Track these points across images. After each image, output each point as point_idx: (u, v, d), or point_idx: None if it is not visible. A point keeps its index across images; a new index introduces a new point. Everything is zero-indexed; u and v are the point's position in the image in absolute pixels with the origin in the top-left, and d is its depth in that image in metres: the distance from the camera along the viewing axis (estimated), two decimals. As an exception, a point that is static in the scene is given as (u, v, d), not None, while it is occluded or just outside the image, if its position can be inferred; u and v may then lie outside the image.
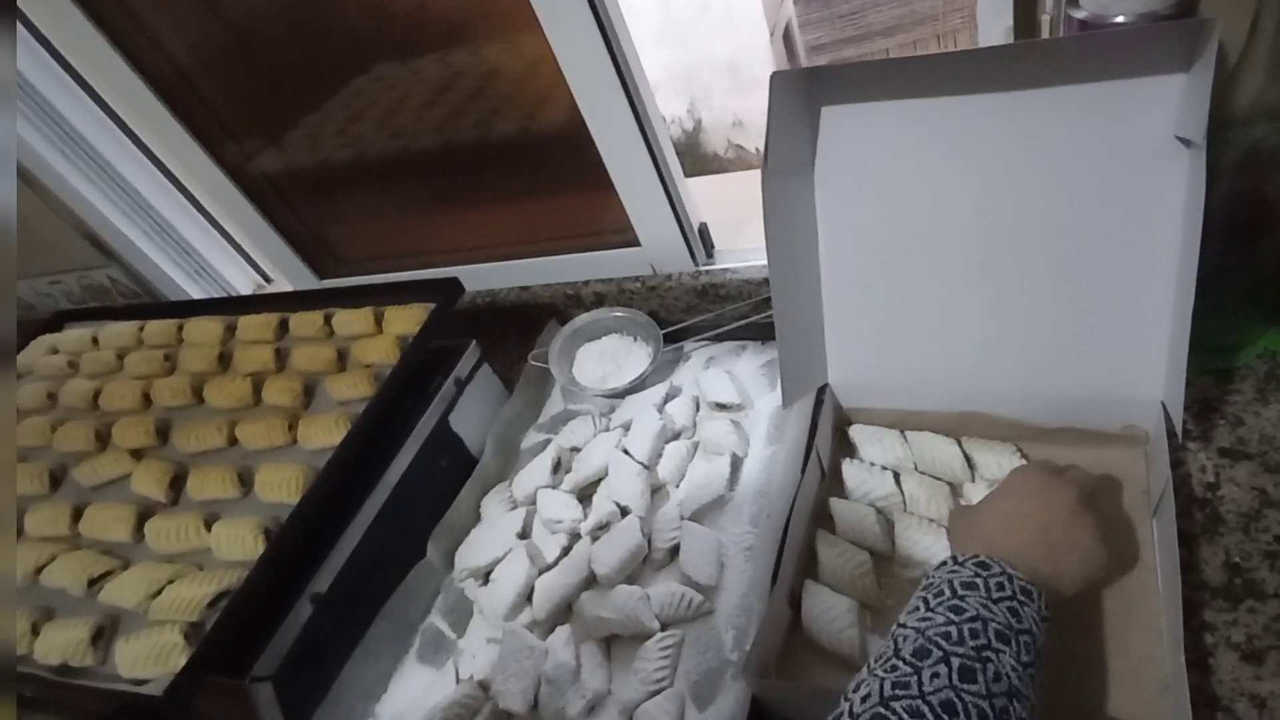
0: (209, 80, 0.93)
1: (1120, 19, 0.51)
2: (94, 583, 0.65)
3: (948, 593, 0.42)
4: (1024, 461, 0.62)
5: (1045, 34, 0.62)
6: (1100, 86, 0.52)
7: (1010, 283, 0.60)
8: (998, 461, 0.62)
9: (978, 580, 0.42)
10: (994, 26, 0.64)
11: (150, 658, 0.57)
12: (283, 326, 0.86)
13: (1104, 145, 0.54)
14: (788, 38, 2.57)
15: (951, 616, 0.40)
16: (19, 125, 0.99)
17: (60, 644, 0.61)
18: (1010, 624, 0.40)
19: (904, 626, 0.42)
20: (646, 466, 0.71)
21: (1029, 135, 0.55)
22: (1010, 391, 0.63)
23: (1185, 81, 0.49)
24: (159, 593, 0.61)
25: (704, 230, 0.88)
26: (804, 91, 0.59)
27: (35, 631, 0.63)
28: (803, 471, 0.63)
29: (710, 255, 0.89)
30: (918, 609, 0.42)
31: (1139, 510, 0.57)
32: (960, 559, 0.45)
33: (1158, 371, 0.58)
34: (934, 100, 0.57)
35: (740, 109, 2.56)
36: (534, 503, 0.73)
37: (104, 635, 0.62)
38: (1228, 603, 0.51)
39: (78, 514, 0.72)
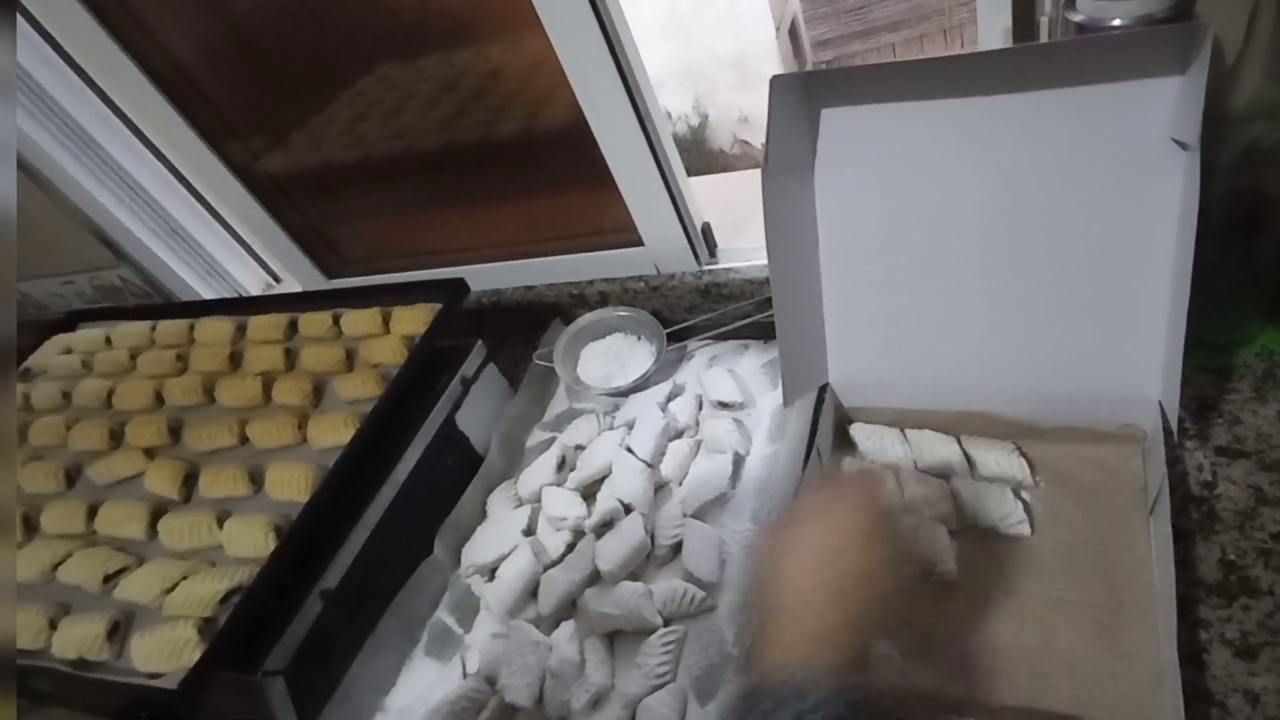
0: (215, 81, 0.94)
1: (1117, 22, 0.51)
2: (109, 579, 0.67)
3: None
4: (1023, 460, 0.62)
5: (1044, 34, 0.63)
6: (1097, 89, 0.52)
7: (1008, 282, 0.61)
8: (996, 459, 0.63)
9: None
10: (993, 26, 0.64)
11: (165, 652, 0.58)
12: (292, 327, 0.87)
13: (1101, 147, 0.54)
14: (793, 32, 2.56)
15: None
16: (33, 128, 1.00)
17: (77, 639, 0.62)
18: None
19: None
20: (650, 464, 0.72)
21: (1026, 137, 0.56)
22: (1009, 390, 0.64)
23: (1181, 84, 0.50)
24: (173, 589, 0.63)
25: (707, 230, 0.88)
26: (803, 94, 0.59)
27: (53, 627, 0.64)
28: (804, 469, 0.64)
29: (713, 255, 0.90)
30: None
31: (1135, 507, 0.58)
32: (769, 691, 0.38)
33: (1155, 370, 0.58)
34: (932, 103, 0.57)
35: (746, 104, 2.56)
36: (539, 500, 0.74)
37: (119, 630, 0.63)
38: (1222, 599, 0.51)
39: (93, 511, 0.73)
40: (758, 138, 2.62)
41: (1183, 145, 0.50)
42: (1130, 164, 0.54)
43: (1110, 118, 0.53)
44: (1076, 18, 0.53)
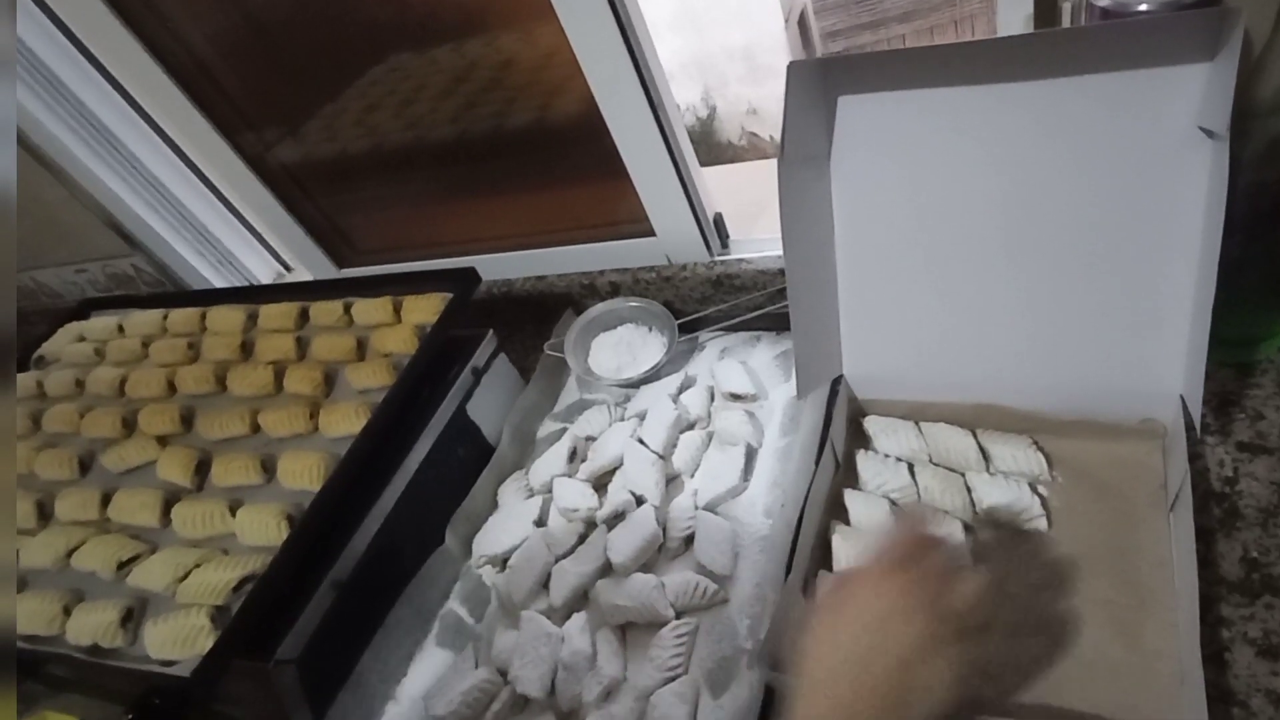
0: (229, 71, 0.94)
1: (1144, 7, 0.50)
2: (123, 566, 0.67)
3: None
4: (1039, 455, 0.62)
5: (1066, 21, 0.61)
6: (1121, 76, 0.51)
7: (1028, 274, 0.60)
8: (1013, 454, 0.62)
9: None
10: (1014, 14, 0.63)
11: (178, 640, 0.59)
12: (303, 316, 0.87)
13: (1125, 136, 0.53)
14: (803, 24, 2.54)
15: None
16: (47, 118, 1.00)
17: (91, 626, 0.62)
18: None
19: None
20: (661, 456, 0.72)
21: (1048, 126, 0.55)
22: (1027, 384, 0.63)
23: (1209, 71, 0.49)
24: (186, 576, 0.63)
25: (719, 220, 0.88)
26: (821, 81, 0.59)
27: (67, 613, 0.65)
28: (817, 463, 0.64)
29: (725, 245, 0.89)
30: None
31: (1156, 504, 0.57)
32: None
33: (1177, 364, 0.57)
34: (952, 90, 0.56)
35: (755, 97, 2.54)
36: (550, 491, 0.74)
37: (133, 617, 0.63)
38: (1245, 598, 0.51)
39: (106, 499, 0.73)
40: (767, 130, 2.61)
41: (1210, 134, 0.49)
42: (1155, 153, 0.53)
43: (1135, 106, 0.52)
44: (1102, 2, 0.52)
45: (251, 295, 0.96)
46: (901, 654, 0.39)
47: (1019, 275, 0.60)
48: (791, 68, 0.55)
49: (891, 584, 0.41)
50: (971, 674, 0.40)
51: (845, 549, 0.60)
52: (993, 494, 0.60)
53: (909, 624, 0.39)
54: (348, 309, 0.84)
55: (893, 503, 0.63)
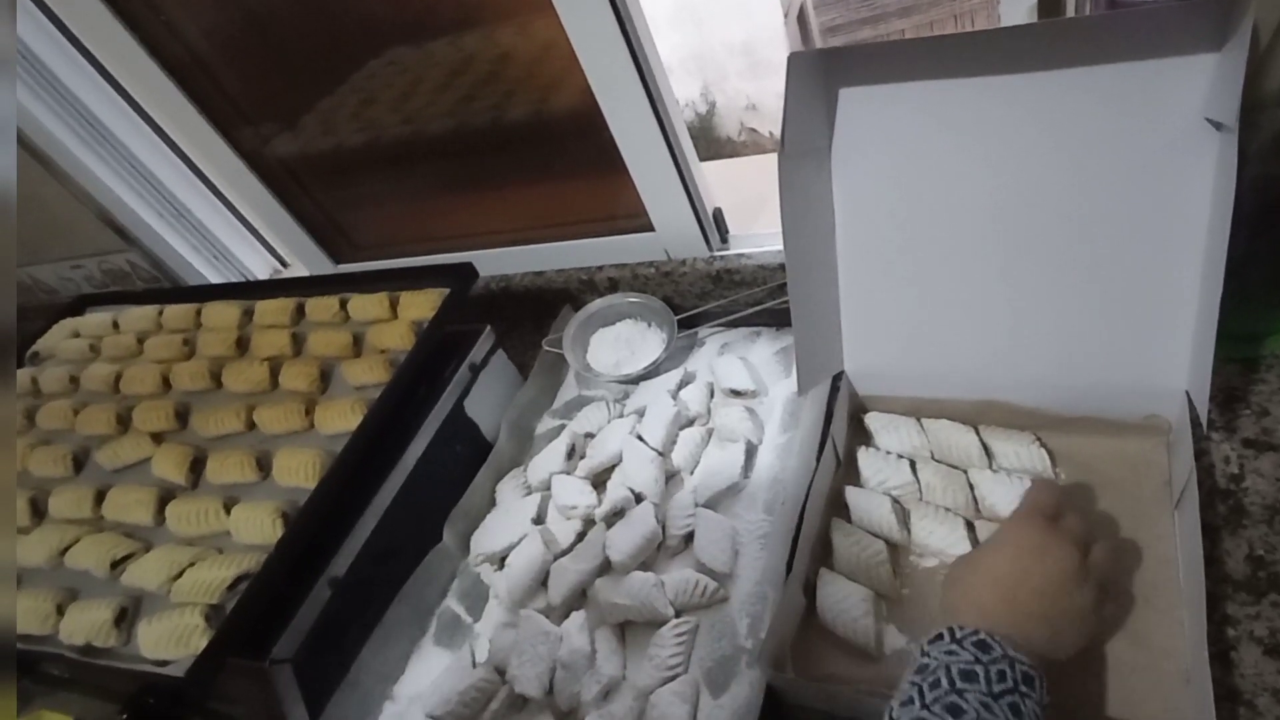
0: (224, 65, 0.93)
1: (1150, -3, 0.50)
2: (116, 565, 0.66)
3: (945, 684, 0.39)
4: (1043, 451, 0.61)
5: (1070, 12, 0.61)
6: (1127, 67, 0.51)
7: (1031, 269, 0.59)
8: (1015, 450, 0.62)
9: (977, 669, 0.39)
10: (1018, 4, 0.62)
11: (172, 639, 0.58)
12: (299, 311, 0.86)
13: (1130, 128, 0.52)
14: (802, 19, 2.53)
15: (949, 718, 0.37)
16: (42, 113, 1.00)
17: (84, 625, 0.62)
18: None
19: None
20: (661, 453, 0.71)
21: (1053, 118, 0.54)
22: (1030, 380, 0.62)
23: (1217, 62, 0.48)
24: (180, 575, 0.62)
25: (718, 215, 0.87)
26: (822, 73, 0.58)
27: (60, 612, 0.64)
28: (818, 459, 0.63)
29: (725, 240, 0.88)
30: (912, 701, 0.39)
31: (1160, 501, 0.56)
32: (958, 634, 0.41)
33: (1182, 360, 0.57)
34: (955, 82, 0.55)
35: (754, 92, 2.53)
36: (548, 488, 0.73)
37: (127, 617, 0.63)
38: (1251, 596, 0.50)
39: (100, 497, 0.73)
40: (766, 125, 2.60)
41: (1218, 126, 0.49)
42: (1161, 146, 0.52)
43: (1140, 97, 0.51)
44: (1107, -7, 0.51)
45: (247, 291, 0.95)
46: (1049, 578, 0.44)
47: (1022, 269, 0.60)
48: (792, 59, 0.54)
49: (1034, 529, 0.47)
50: (1101, 624, 0.45)
51: (846, 546, 0.59)
52: (995, 491, 0.60)
53: (1056, 558, 0.44)
54: (344, 305, 0.84)
55: (894, 500, 0.62)
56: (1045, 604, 0.43)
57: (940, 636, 0.42)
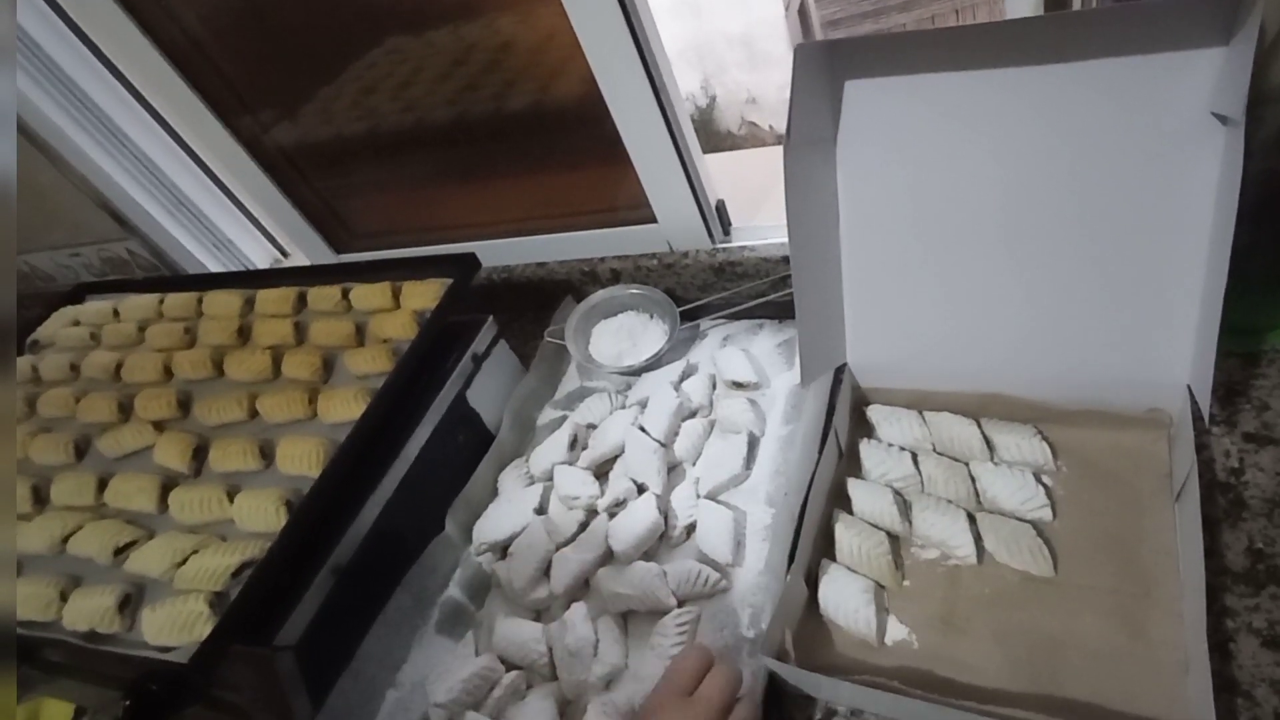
0: (224, 52, 0.92)
1: (1158, -10, 0.49)
2: (119, 552, 0.66)
3: None
4: (1044, 444, 0.61)
5: (1077, 5, 0.61)
6: (1133, 61, 0.51)
7: (1034, 262, 0.60)
8: (1017, 443, 0.62)
9: None
10: (1024, -2, 0.62)
11: (176, 626, 0.58)
12: (301, 300, 0.86)
13: (1135, 121, 0.53)
14: (803, 12, 2.52)
15: None
16: (40, 99, 0.99)
17: (88, 611, 0.62)
18: None
19: None
20: (663, 444, 0.71)
21: (1059, 111, 0.54)
22: (1032, 373, 0.63)
23: (1224, 55, 0.48)
24: (183, 562, 0.62)
25: (721, 207, 0.87)
26: (828, 65, 0.58)
27: (63, 599, 0.64)
28: (820, 451, 0.63)
29: (727, 233, 0.88)
30: None
31: (1161, 494, 0.57)
32: None
33: (1184, 354, 0.57)
34: (961, 75, 0.55)
35: (754, 85, 2.52)
36: (550, 478, 0.73)
37: (130, 603, 0.63)
38: (1250, 588, 0.50)
39: (102, 484, 0.72)
40: (766, 119, 2.59)
41: (1224, 119, 0.49)
42: (1165, 139, 0.52)
43: (1146, 91, 0.51)
44: (1115, -14, 0.51)
45: (248, 280, 0.95)
46: None
47: (1025, 262, 0.60)
48: (799, 50, 0.54)
49: (672, 706, 0.49)
50: None
51: (848, 538, 0.60)
52: (997, 483, 0.60)
53: None
54: (346, 294, 0.84)
55: (896, 492, 0.62)
56: None
57: None
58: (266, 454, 0.70)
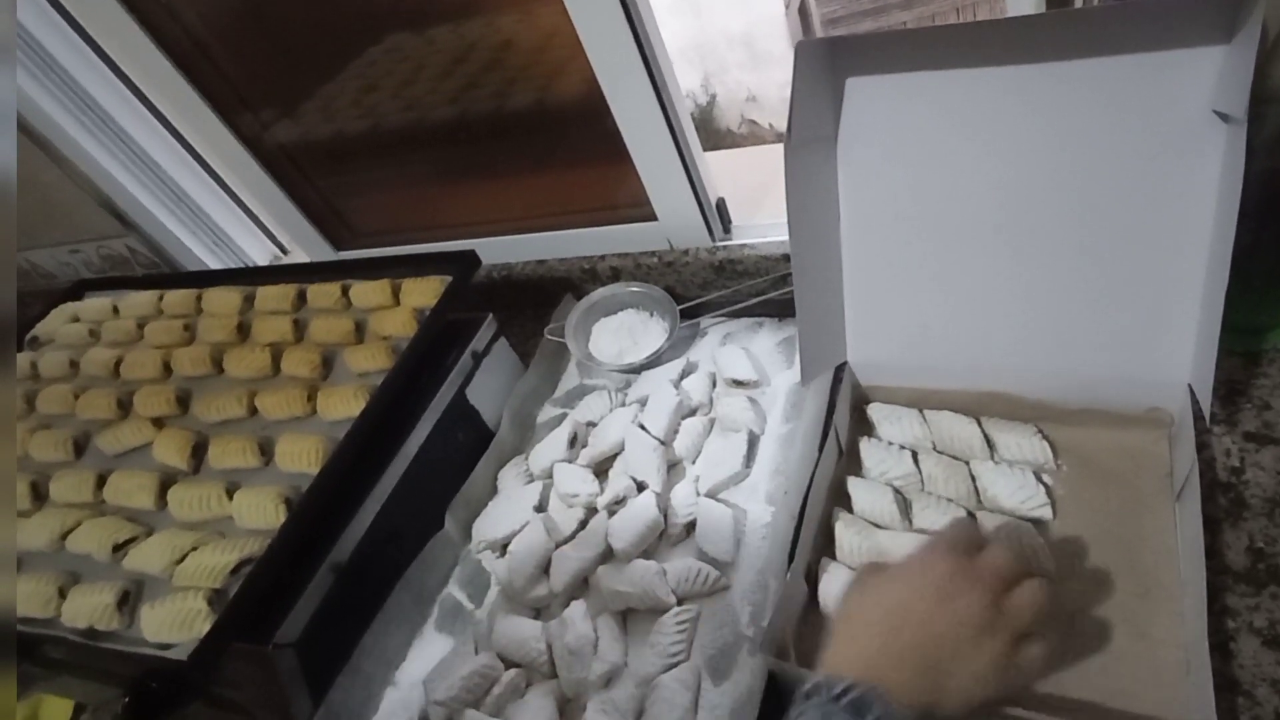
0: (225, 50, 0.92)
1: (1160, -13, 0.49)
2: (118, 549, 0.66)
3: None
4: (1044, 443, 0.61)
5: (1079, 3, 0.60)
6: (1135, 59, 0.50)
7: (1035, 260, 0.59)
8: (1018, 442, 0.62)
9: None
10: (1026, -5, 0.62)
11: (175, 623, 0.58)
12: (300, 298, 0.86)
13: (1136, 119, 0.52)
14: (803, 10, 2.52)
15: None
16: (41, 96, 0.99)
17: (87, 608, 0.62)
18: None
19: None
20: (663, 442, 0.71)
21: (1061, 109, 0.54)
22: (1033, 371, 0.63)
23: (1226, 53, 0.48)
24: (182, 559, 0.62)
25: (721, 205, 0.87)
26: (829, 62, 0.58)
27: (62, 595, 0.64)
28: (820, 450, 0.63)
29: (728, 230, 0.88)
30: None
31: (1162, 493, 0.57)
32: (835, 690, 0.37)
33: (1185, 353, 0.57)
34: (963, 72, 0.55)
35: (755, 84, 2.52)
36: (550, 476, 0.73)
37: (129, 600, 0.63)
38: (1250, 588, 0.50)
39: (101, 481, 0.73)
40: (766, 117, 2.59)
41: (1226, 118, 0.49)
42: (1167, 138, 0.52)
43: (1148, 89, 0.51)
44: (1117, -17, 0.51)
45: (248, 277, 0.94)
46: (936, 631, 0.38)
47: (1027, 261, 0.60)
48: (800, 47, 0.54)
49: (942, 562, 0.41)
50: (1015, 676, 0.39)
51: (848, 536, 0.60)
52: (997, 482, 0.60)
53: (949, 604, 0.38)
54: (346, 291, 0.84)
55: (896, 490, 0.62)
56: (941, 653, 0.38)
57: (817, 690, 0.37)
58: (266, 451, 0.70)
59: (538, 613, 0.65)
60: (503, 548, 0.70)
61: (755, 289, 0.84)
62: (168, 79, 0.94)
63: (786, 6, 2.40)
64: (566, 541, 0.68)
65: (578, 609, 0.62)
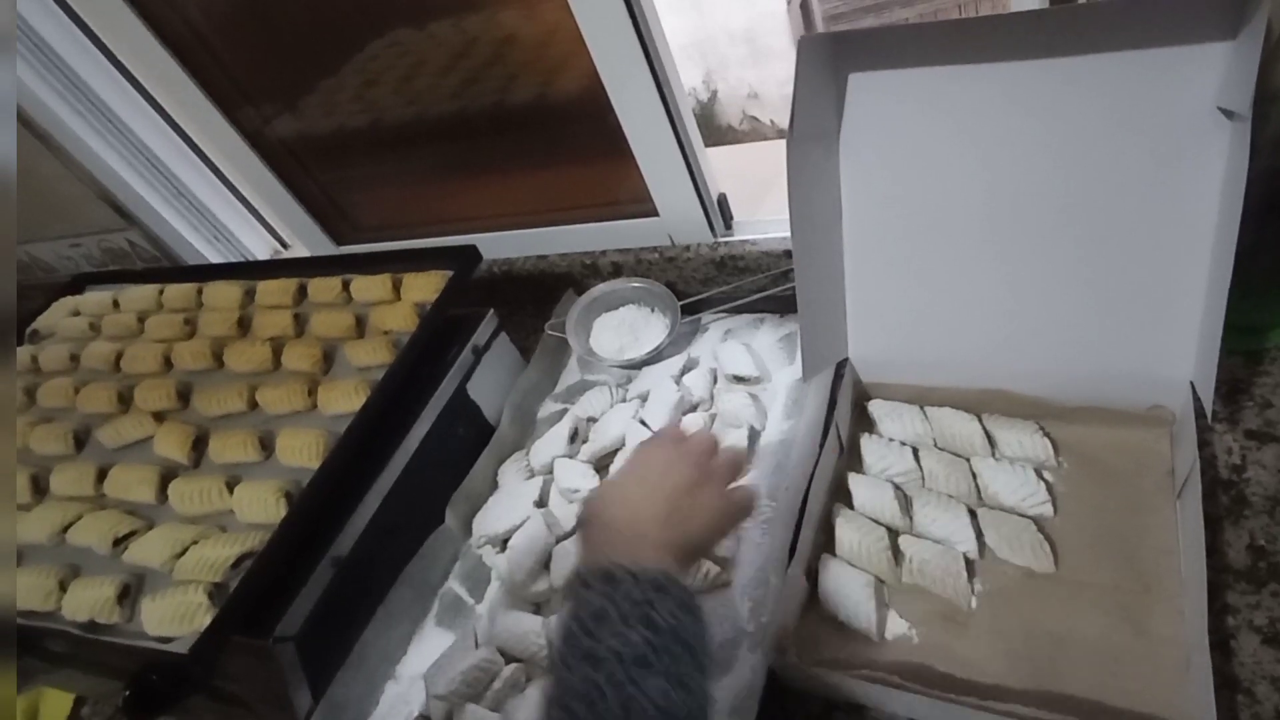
0: (226, 44, 0.92)
1: (1165, -16, 0.49)
2: (119, 542, 0.66)
3: (581, 637, 0.40)
4: (1046, 440, 0.61)
5: (1083, -1, 0.60)
6: (1139, 55, 0.50)
7: (1038, 257, 0.59)
8: (1019, 439, 0.62)
9: (607, 607, 0.40)
10: (1030, -9, 0.62)
11: (176, 617, 0.58)
12: (301, 292, 0.86)
13: (1140, 116, 0.52)
14: (805, 7, 2.51)
15: (589, 672, 0.38)
16: (42, 89, 0.99)
17: (88, 602, 0.62)
18: (649, 641, 0.39)
19: (558, 675, 0.40)
20: (664, 438, 0.71)
21: (1064, 105, 0.54)
22: (1034, 369, 0.63)
23: (1230, 50, 0.48)
24: (183, 553, 0.62)
25: (723, 201, 0.87)
26: (832, 57, 0.57)
27: (63, 589, 0.64)
28: (821, 446, 0.63)
29: (729, 226, 0.88)
30: (558, 663, 0.40)
31: (1163, 491, 0.57)
32: (585, 577, 0.43)
33: (1187, 351, 0.57)
34: (966, 68, 0.55)
35: (756, 80, 2.51)
36: (551, 471, 0.73)
37: (129, 594, 0.63)
38: (1251, 586, 0.50)
39: (102, 474, 0.72)
40: (767, 114, 2.58)
41: (1230, 115, 0.48)
42: (1171, 135, 0.52)
43: (1152, 86, 0.51)
44: (1122, -21, 0.51)
45: (249, 271, 0.94)
46: (679, 483, 0.48)
47: (1029, 258, 0.60)
48: (802, 43, 0.53)
49: (659, 451, 0.51)
50: (736, 511, 0.50)
51: (848, 532, 0.60)
52: (998, 479, 0.60)
53: (671, 476, 0.49)
54: (346, 286, 0.83)
55: (897, 487, 0.62)
56: (677, 506, 0.47)
57: (575, 579, 0.44)
58: (266, 445, 0.70)
59: (538, 608, 0.66)
60: (503, 543, 0.70)
61: (756, 285, 0.84)
62: (169, 73, 0.94)
63: (788, 3, 2.39)
64: (567, 537, 0.68)
65: (578, 604, 0.62)
